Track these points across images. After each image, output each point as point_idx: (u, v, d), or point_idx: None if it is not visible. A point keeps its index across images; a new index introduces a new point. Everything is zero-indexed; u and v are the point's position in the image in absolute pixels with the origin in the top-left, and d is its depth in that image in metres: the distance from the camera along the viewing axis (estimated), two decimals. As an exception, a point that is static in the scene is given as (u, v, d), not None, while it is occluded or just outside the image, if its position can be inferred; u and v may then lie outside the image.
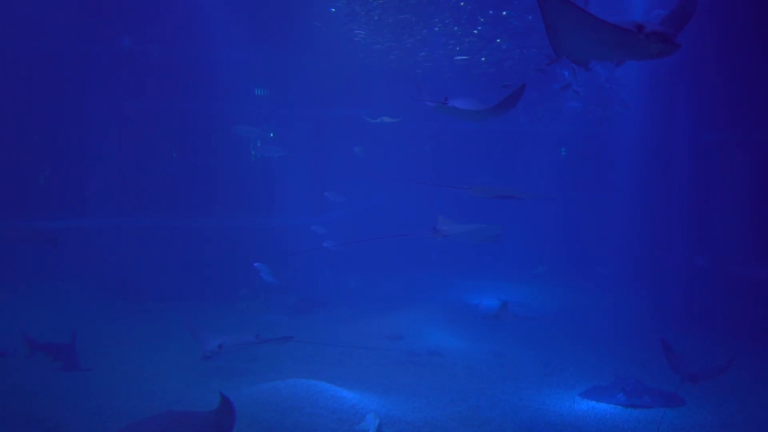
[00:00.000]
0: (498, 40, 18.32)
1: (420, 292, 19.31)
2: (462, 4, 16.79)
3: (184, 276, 16.80)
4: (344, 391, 10.08)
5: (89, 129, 17.71)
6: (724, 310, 15.15)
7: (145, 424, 6.69)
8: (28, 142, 17.59)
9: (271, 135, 18.89)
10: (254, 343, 10.90)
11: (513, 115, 20.31)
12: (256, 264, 14.74)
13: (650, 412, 9.78)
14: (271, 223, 17.71)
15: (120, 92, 17.74)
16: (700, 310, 15.68)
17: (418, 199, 20.68)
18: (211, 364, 10.83)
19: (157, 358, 12.08)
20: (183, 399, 9.77)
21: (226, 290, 16.71)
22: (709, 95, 15.98)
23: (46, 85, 16.94)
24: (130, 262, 16.90)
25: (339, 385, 10.32)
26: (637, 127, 20.54)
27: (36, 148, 17.80)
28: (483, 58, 19.01)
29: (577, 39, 5.42)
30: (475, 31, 18.03)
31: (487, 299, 18.21)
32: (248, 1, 17.05)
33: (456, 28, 18.00)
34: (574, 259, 21.16)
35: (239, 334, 11.17)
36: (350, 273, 19.23)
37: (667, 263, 17.16)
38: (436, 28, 17.95)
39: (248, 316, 15.69)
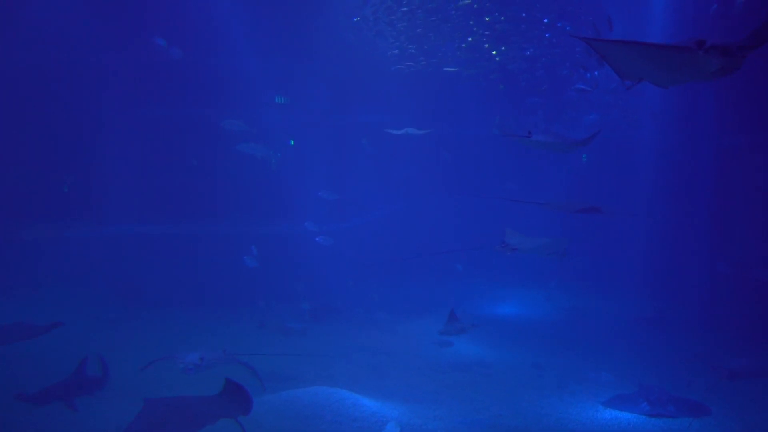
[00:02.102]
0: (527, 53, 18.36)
1: (442, 298, 19.14)
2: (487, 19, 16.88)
3: (203, 283, 16.82)
4: (365, 399, 10.04)
5: (109, 137, 17.91)
6: (749, 315, 14.90)
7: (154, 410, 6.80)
8: (51, 150, 17.78)
9: (291, 143, 18.97)
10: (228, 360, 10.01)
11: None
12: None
13: (675, 422, 9.62)
14: (288, 231, 17.73)
15: (139, 101, 17.93)
16: (724, 316, 15.45)
17: (439, 207, 20.63)
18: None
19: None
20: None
21: (245, 297, 16.73)
22: (732, 99, 15.80)
23: (68, 94, 17.19)
24: (150, 268, 16.95)
25: (360, 393, 10.29)
26: (659, 131, 20.35)
27: (59, 156, 18.01)
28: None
29: (633, 67, 5.18)
30: (503, 48, 18.15)
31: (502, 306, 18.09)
32: (267, 10, 17.17)
33: (486, 45, 18.10)
34: (598, 265, 20.93)
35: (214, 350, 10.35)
36: (370, 281, 19.12)
37: (690, 269, 16.95)
38: (464, 45, 18.03)
39: (267, 323, 15.67)
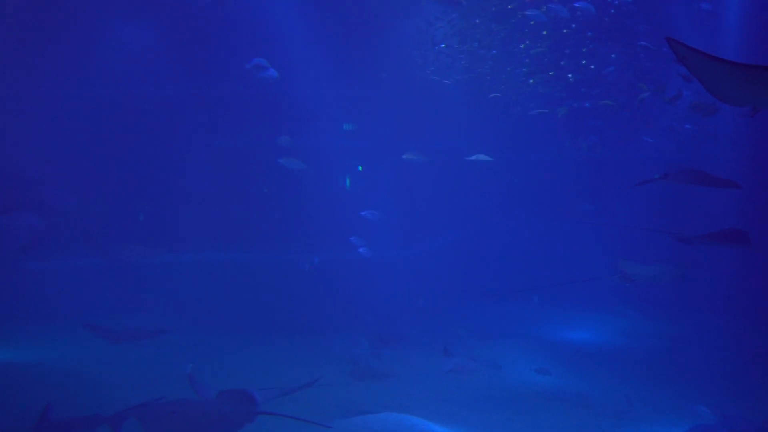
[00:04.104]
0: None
1: (512, 323, 18.79)
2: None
3: (274, 309, 17.01)
4: (436, 426, 9.87)
5: (183, 166, 18.51)
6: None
7: (159, 407, 6.75)
8: (129, 180, 18.52)
9: (360, 169, 19.15)
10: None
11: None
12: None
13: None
14: (356, 257, 17.76)
15: (214, 131, 18.48)
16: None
17: (510, 232, 20.35)
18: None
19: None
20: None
21: (318, 323, 16.82)
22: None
23: (143, 125, 17.88)
24: (224, 294, 17.33)
25: (431, 420, 10.13)
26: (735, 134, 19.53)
27: (136, 185, 18.71)
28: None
29: (730, 87, 4.75)
30: (569, 77, 17.94)
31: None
32: (334, 36, 17.49)
33: (551, 73, 17.96)
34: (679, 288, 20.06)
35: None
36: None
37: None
38: (524, 69, 17.95)
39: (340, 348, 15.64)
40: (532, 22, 16.25)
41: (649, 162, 21.51)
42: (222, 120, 18.60)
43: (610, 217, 20.53)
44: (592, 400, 12.11)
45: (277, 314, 16.77)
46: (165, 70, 17.38)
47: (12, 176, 13.41)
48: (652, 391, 12.78)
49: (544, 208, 22.37)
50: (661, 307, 19.16)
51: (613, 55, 18.45)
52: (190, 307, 16.75)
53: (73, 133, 16.50)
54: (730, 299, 18.50)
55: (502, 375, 13.51)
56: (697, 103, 11.64)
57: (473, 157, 14.45)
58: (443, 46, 17.40)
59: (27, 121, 16.22)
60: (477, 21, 17.03)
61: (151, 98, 17.76)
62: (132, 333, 12.34)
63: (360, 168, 19.43)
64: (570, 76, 18.95)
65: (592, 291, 18.08)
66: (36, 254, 12.51)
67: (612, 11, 16.25)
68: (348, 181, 19.58)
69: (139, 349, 13.87)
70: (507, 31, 17.19)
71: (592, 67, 18.75)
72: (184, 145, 18.52)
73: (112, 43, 16.66)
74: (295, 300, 17.10)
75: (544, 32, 17.32)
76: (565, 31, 17.18)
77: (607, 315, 19.17)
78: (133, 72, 16.88)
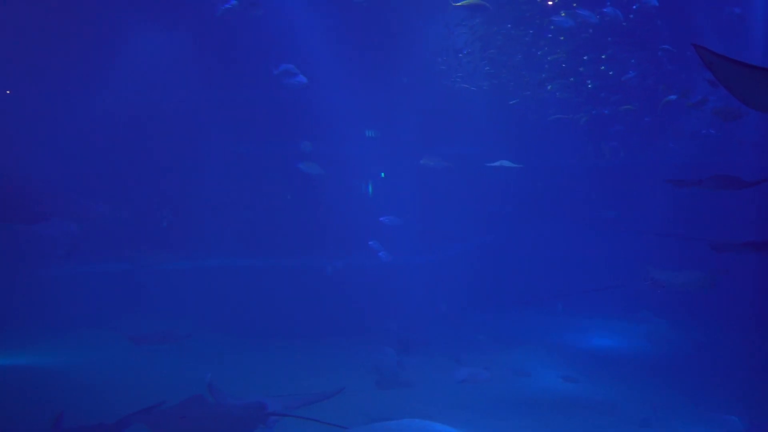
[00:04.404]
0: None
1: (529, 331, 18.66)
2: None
3: (294, 315, 17.02)
4: (457, 433, 9.86)
5: (205, 172, 18.66)
6: None
7: (168, 411, 6.78)
8: (151, 185, 18.70)
9: (382, 175, 19.19)
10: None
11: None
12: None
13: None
14: (376, 263, 17.77)
15: (236, 138, 18.61)
16: None
17: (531, 239, 20.27)
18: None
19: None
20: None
21: (340, 328, 16.80)
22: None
23: (166, 132, 18.04)
24: (248, 301, 17.38)
25: (454, 426, 10.10)
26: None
27: (158, 191, 18.87)
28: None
29: (758, 93, 4.64)
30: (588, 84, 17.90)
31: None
32: (355, 42, 17.56)
33: (572, 79, 17.93)
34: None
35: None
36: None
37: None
38: (543, 74, 17.94)
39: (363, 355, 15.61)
40: (552, 27, 16.20)
41: (673, 168, 21.39)
42: (244, 126, 18.73)
43: (632, 224, 20.40)
44: (615, 407, 12.03)
45: (298, 320, 16.79)
46: (188, 77, 17.53)
47: (45, 184, 13.63)
48: (676, 398, 12.66)
49: (566, 214, 22.27)
50: (685, 313, 18.94)
51: (632, 60, 18.33)
52: (212, 313, 16.86)
53: (95, 139, 16.71)
54: (754, 306, 18.26)
55: (529, 383, 13.44)
56: (721, 108, 11.54)
57: (497, 163, 14.43)
58: (466, 52, 17.39)
59: (52, 128, 16.44)
60: (495, 29, 17.02)
61: (174, 105, 17.91)
62: (160, 336, 12.75)
63: (383, 174, 19.47)
64: (589, 82, 18.87)
65: (614, 298, 17.98)
66: (65, 260, 12.72)
67: (631, 16, 16.16)
68: (370, 188, 19.62)
69: (161, 355, 14.07)
70: (528, 37, 17.17)
71: (611, 73, 18.65)
72: (206, 152, 18.66)
73: (136, 51, 16.85)
74: (316, 305, 17.12)
75: (562, 38, 17.26)
76: (584, 35, 17.13)
77: (630, 322, 19.00)
78: (156, 79, 17.04)
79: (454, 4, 12.63)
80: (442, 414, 11.09)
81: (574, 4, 15.52)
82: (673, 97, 13.48)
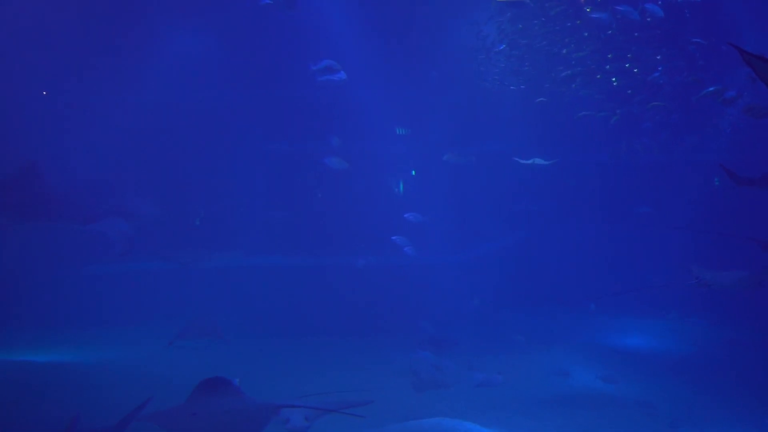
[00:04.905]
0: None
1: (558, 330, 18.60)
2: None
3: (329, 312, 17.12)
4: (490, 432, 9.91)
5: (237, 171, 18.84)
6: None
7: (179, 408, 6.74)
8: (187, 184, 18.95)
9: (413, 173, 19.22)
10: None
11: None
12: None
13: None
14: (412, 261, 17.80)
15: (266, 135, 18.77)
16: None
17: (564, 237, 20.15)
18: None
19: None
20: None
21: (372, 326, 16.90)
22: None
23: (199, 131, 18.27)
24: (276, 298, 17.54)
25: (489, 426, 10.16)
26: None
27: (193, 190, 19.11)
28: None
29: None
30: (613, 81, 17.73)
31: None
32: (385, 38, 17.59)
33: (599, 76, 17.79)
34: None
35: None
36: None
37: None
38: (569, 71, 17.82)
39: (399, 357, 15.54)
40: (578, 22, 16.09)
41: (705, 165, 21.18)
42: (275, 124, 18.90)
43: (664, 221, 20.20)
44: (652, 407, 11.97)
45: (329, 317, 16.91)
46: (223, 77, 17.75)
47: (98, 184, 13.94)
48: (713, 398, 12.54)
49: (599, 211, 22.11)
50: (719, 312, 18.78)
51: (658, 57, 18.08)
52: (243, 310, 17.04)
53: (134, 140, 17.00)
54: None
55: (568, 383, 13.38)
56: (752, 106, 11.37)
57: (530, 161, 14.41)
58: (503, 47, 17.27)
59: (94, 129, 16.74)
60: (520, 26, 16.93)
61: (209, 104, 18.14)
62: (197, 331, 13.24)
63: (413, 172, 19.52)
64: (614, 79, 18.66)
65: (646, 296, 17.87)
66: (121, 258, 13.04)
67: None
68: (401, 186, 19.69)
69: (191, 352, 14.29)
70: (552, 35, 17.02)
71: (636, 70, 18.43)
72: (239, 150, 18.87)
73: (169, 53, 17.11)
74: (349, 304, 17.21)
75: (585, 34, 17.10)
76: (609, 32, 16.96)
77: (665, 321, 18.87)
78: (190, 78, 17.30)
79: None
80: (477, 414, 11.12)
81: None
82: (711, 88, 13.27)
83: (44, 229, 13.36)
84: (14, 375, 12.66)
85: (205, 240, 18.04)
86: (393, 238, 16.13)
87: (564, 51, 17.48)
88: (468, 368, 13.58)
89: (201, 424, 6.63)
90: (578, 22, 16.41)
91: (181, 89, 17.49)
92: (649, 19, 14.08)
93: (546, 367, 14.35)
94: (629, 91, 18.62)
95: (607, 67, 18.20)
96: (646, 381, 13.59)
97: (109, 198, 13.09)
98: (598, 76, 18.43)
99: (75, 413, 7.81)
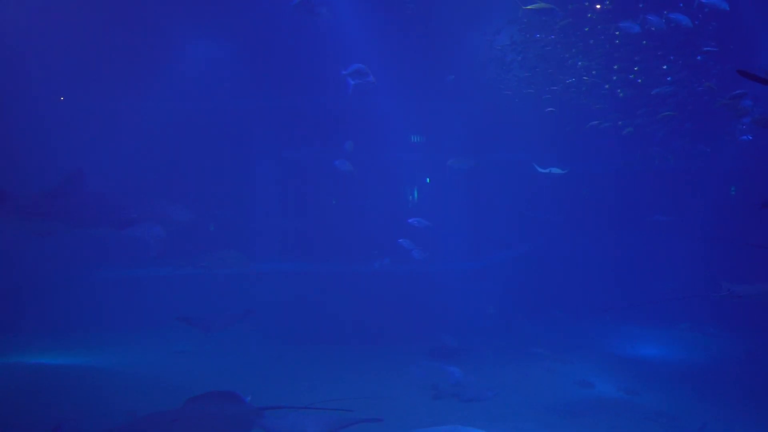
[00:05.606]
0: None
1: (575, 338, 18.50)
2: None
3: (342, 321, 17.09)
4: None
5: (255, 177, 18.94)
6: None
7: (163, 416, 6.73)
8: (202, 190, 19.03)
9: (428, 180, 19.22)
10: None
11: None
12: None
13: None
14: (426, 269, 17.78)
15: (281, 142, 18.84)
16: None
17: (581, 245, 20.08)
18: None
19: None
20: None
21: (388, 334, 16.83)
22: None
23: (216, 138, 18.38)
24: (291, 306, 17.53)
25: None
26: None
27: (209, 196, 19.19)
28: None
29: None
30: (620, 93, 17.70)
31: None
32: (401, 47, 17.63)
33: (607, 86, 17.75)
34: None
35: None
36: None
37: None
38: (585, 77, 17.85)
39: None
40: (584, 29, 16.08)
41: (720, 174, 21.11)
42: (292, 132, 18.99)
43: (681, 229, 20.12)
44: (669, 417, 11.89)
45: (345, 325, 16.90)
46: (242, 85, 17.87)
47: (132, 190, 14.16)
48: (733, 408, 12.47)
49: (614, 220, 22.05)
50: (737, 323, 18.67)
51: (664, 67, 17.99)
52: (260, 316, 17.04)
53: (159, 146, 17.18)
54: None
55: (590, 394, 13.28)
56: (761, 117, 11.31)
57: (546, 170, 14.48)
58: (519, 57, 17.28)
59: (121, 136, 16.93)
60: (537, 35, 16.92)
61: (227, 111, 18.29)
62: (224, 319, 13.21)
63: (428, 180, 19.53)
64: (620, 91, 18.62)
65: (666, 306, 17.73)
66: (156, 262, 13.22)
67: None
68: (416, 193, 19.70)
69: (206, 358, 14.28)
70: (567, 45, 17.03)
71: (639, 80, 18.40)
72: (257, 157, 18.97)
73: (188, 61, 17.26)
74: (365, 311, 17.16)
75: (591, 41, 17.07)
76: (616, 42, 16.92)
77: (678, 331, 18.74)
78: (209, 86, 17.46)
79: (524, 7, 12.73)
80: (493, 424, 11.08)
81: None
82: (739, 91, 13.17)
83: (87, 234, 13.60)
84: (26, 378, 12.88)
85: (230, 245, 18.09)
86: (399, 240, 16.15)
87: (580, 63, 17.47)
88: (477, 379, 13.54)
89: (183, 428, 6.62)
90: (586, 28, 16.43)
91: (202, 97, 17.65)
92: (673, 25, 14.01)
93: (572, 378, 14.17)
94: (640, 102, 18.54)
95: (614, 78, 18.18)
96: (665, 392, 13.51)
97: (143, 203, 13.24)
98: (607, 86, 18.40)
99: (59, 421, 7.85)
